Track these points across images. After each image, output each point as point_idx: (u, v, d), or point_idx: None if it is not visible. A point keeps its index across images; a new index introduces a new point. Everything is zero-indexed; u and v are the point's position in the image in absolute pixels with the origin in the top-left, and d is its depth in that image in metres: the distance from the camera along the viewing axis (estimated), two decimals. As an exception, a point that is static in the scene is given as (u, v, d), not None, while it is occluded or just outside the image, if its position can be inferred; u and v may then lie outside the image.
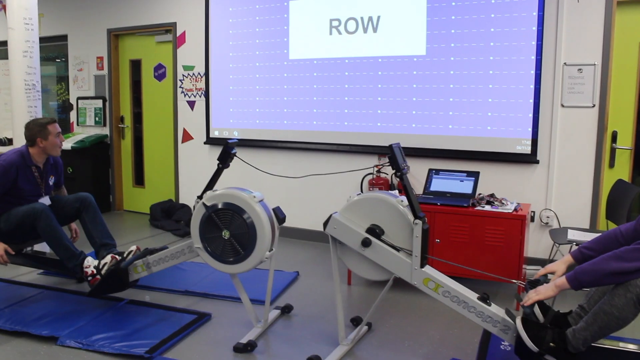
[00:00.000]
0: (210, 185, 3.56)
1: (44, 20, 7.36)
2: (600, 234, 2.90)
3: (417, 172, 5.08)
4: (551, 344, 2.70)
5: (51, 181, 4.27)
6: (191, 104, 6.58)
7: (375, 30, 5.32)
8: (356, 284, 4.56)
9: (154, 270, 3.78)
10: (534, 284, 2.82)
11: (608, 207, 4.42)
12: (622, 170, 4.67)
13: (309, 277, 4.73)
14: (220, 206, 3.39)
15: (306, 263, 5.13)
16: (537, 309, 2.90)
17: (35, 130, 4.06)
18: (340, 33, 5.49)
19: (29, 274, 4.66)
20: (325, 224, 3.22)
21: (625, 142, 4.65)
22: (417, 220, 3.02)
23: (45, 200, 4.17)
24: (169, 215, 6.61)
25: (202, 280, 4.53)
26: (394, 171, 3.11)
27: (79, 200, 4.15)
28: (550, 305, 2.95)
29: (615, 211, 4.28)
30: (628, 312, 2.50)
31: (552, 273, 2.84)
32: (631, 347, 2.85)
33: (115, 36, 7.16)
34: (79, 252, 3.90)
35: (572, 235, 4.14)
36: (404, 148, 3.23)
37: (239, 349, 3.31)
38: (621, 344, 3.00)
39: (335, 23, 5.51)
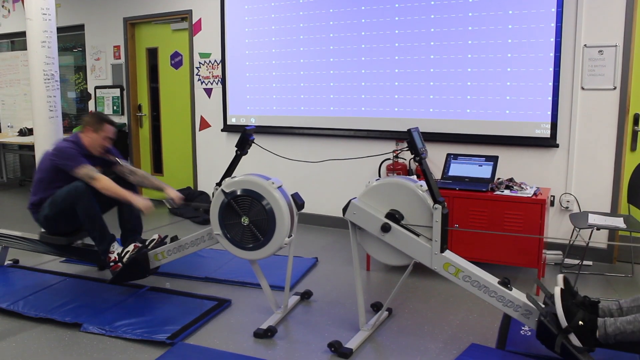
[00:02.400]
0: (228, 172, 3.58)
1: (60, 10, 7.41)
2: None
3: (435, 157, 5.05)
4: (580, 322, 2.68)
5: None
6: (208, 92, 6.59)
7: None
8: (375, 269, 4.56)
9: (174, 257, 3.81)
10: None
11: (630, 190, 4.37)
12: (644, 153, 4.62)
13: (328, 263, 4.75)
14: (239, 193, 3.40)
15: (325, 249, 5.15)
16: (561, 283, 2.87)
17: (92, 120, 4.04)
18: (356, 18, 5.46)
19: (51, 262, 4.72)
20: (345, 209, 3.22)
21: (647, 124, 4.59)
22: (437, 205, 3.01)
23: None
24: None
25: (221, 266, 4.56)
26: (412, 156, 3.10)
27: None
28: (577, 290, 2.93)
29: (637, 195, 4.23)
30: None
31: None
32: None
33: (132, 25, 7.18)
34: (110, 236, 3.95)
35: (592, 219, 4.10)
36: (421, 133, 3.21)
37: (260, 334, 3.34)
38: None
39: (351, 8, 5.47)
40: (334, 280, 4.33)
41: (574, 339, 2.69)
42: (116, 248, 3.92)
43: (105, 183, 3.83)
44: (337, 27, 5.55)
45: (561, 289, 2.80)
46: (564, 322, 2.70)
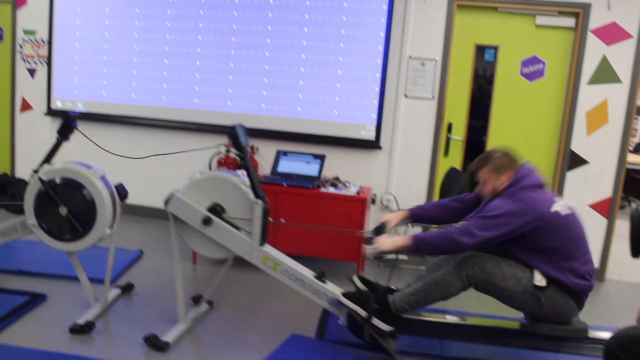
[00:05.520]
0: (47, 159, 3.39)
1: None
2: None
3: (265, 153, 5.15)
4: (375, 305, 2.93)
5: None
6: (31, 72, 6.14)
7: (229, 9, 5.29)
8: (202, 262, 4.55)
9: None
10: (377, 231, 3.11)
11: (441, 192, 4.77)
12: (455, 159, 5.06)
13: (154, 256, 4.65)
14: (58, 181, 3.23)
15: (151, 241, 5.03)
16: (360, 283, 3.10)
17: None
18: (194, 9, 5.39)
19: None
20: (167, 202, 3.19)
21: (459, 133, 5.04)
22: (258, 200, 3.09)
23: None
24: (3, 190, 6.17)
25: (37, 259, 4.28)
26: (236, 151, 3.15)
27: None
28: (377, 282, 3.16)
29: (447, 195, 4.60)
30: (454, 287, 2.91)
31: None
32: (450, 318, 3.17)
33: (-56, -9, 6.49)
34: None
35: (407, 217, 4.41)
36: (253, 129, 3.28)
37: (76, 330, 3.20)
38: (447, 317, 3.28)
39: (189, -2, 5.39)
40: (158, 273, 4.26)
41: (377, 322, 2.92)
42: None
43: None
44: (174, 17, 5.43)
45: (342, 292, 3.05)
46: (364, 314, 2.92)
